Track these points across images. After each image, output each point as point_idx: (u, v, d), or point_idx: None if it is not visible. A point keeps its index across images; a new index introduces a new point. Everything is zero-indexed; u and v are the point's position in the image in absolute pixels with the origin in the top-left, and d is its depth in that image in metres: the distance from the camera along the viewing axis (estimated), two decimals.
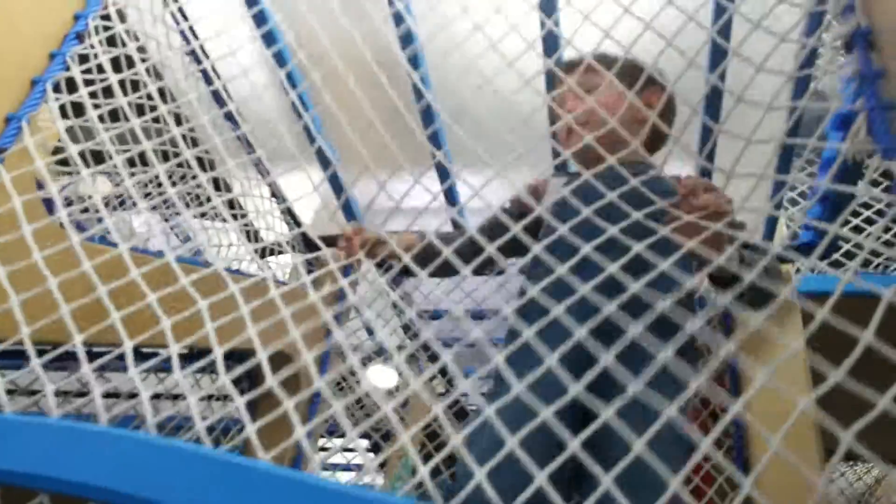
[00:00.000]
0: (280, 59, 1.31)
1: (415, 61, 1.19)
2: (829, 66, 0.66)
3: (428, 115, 1.42)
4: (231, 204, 1.50)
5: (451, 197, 1.79)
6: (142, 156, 0.93)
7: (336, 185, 1.63)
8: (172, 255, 0.78)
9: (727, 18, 0.97)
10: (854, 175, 0.81)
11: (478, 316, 2.25)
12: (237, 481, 0.48)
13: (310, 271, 1.86)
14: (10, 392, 0.69)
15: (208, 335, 0.65)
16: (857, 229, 1.84)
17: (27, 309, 0.69)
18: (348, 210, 1.80)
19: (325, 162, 1.59)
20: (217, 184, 1.26)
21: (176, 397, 1.47)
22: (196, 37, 1.18)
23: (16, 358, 0.73)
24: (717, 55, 1.25)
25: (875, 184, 0.59)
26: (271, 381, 0.60)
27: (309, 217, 1.84)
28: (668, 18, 0.84)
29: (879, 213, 2.12)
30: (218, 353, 0.63)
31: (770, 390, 0.53)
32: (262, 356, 0.63)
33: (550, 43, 1.30)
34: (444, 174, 1.68)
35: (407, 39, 1.24)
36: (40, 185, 0.90)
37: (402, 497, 0.49)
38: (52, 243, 0.76)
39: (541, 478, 0.48)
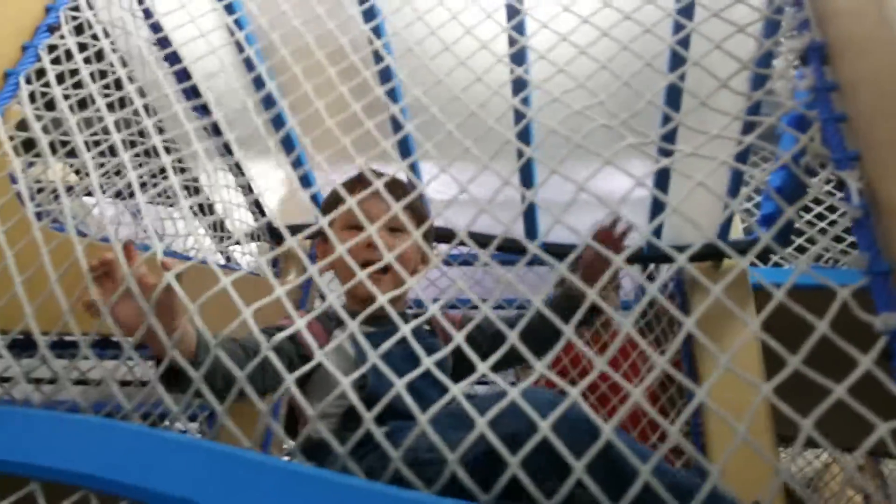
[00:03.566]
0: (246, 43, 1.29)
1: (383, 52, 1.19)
2: (785, 73, 0.69)
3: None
4: (197, 193, 1.49)
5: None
6: (111, 147, 0.92)
7: (304, 179, 1.64)
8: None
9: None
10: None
11: None
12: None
13: (274, 263, 1.86)
14: None
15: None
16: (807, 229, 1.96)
17: None
18: (315, 200, 1.80)
19: (290, 150, 1.58)
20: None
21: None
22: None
23: None
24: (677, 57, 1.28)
25: (829, 194, 0.63)
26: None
27: (274, 207, 1.84)
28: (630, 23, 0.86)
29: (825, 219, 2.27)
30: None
31: (725, 376, 0.55)
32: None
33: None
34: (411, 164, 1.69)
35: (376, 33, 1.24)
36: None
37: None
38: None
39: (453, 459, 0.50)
